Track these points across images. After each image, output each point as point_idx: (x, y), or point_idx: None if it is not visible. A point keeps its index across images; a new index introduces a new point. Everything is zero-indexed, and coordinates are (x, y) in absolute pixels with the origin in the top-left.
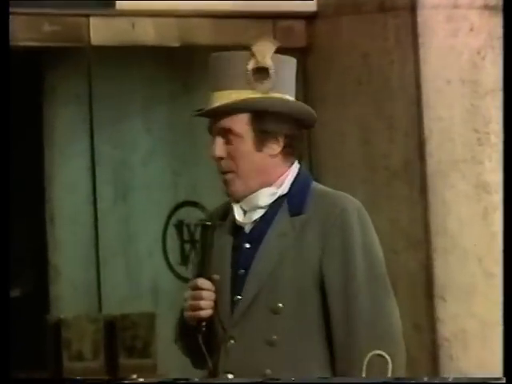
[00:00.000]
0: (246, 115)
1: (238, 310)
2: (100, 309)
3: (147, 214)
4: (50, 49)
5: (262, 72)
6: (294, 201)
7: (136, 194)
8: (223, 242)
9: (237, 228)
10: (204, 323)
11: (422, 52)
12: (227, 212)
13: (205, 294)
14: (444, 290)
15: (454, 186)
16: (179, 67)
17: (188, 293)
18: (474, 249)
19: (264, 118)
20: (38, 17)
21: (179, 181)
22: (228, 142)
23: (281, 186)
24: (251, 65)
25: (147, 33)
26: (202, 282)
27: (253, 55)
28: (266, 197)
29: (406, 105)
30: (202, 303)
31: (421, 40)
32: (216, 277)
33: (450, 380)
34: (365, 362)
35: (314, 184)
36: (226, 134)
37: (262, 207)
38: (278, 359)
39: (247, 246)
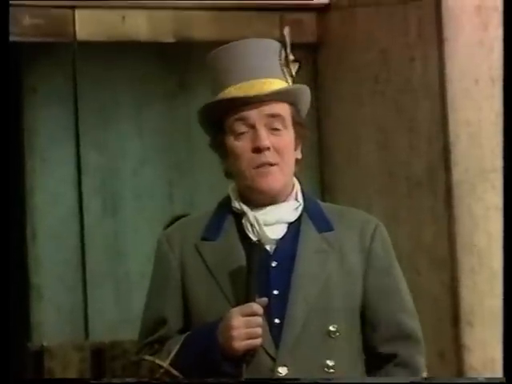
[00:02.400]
0: (288, 105)
1: (289, 335)
2: (87, 335)
3: (139, 230)
4: (30, 44)
5: (292, 65)
6: (317, 216)
7: (126, 207)
8: (235, 262)
9: (251, 245)
10: (253, 352)
11: (447, 47)
12: (217, 229)
13: (260, 320)
14: (471, 315)
15: (483, 197)
16: (174, 65)
17: (239, 320)
18: None
19: (299, 111)
20: (17, 8)
21: (174, 192)
22: (274, 133)
23: (297, 198)
24: (283, 55)
25: (139, 27)
26: (258, 307)
27: (285, 46)
28: (292, 211)
29: (429, 107)
30: (260, 331)
31: (446, 34)
32: (264, 300)
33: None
34: None
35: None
36: (273, 122)
37: (287, 222)
38: None
39: (274, 264)
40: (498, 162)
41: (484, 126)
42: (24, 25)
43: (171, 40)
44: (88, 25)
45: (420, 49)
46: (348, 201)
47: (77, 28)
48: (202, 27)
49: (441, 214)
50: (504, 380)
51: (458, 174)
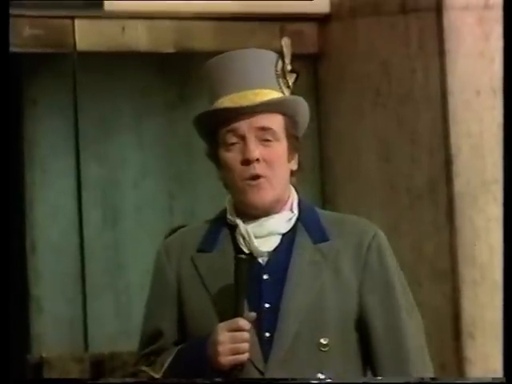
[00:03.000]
0: (281, 117)
1: (278, 349)
2: (86, 347)
3: (139, 242)
4: (30, 55)
5: (289, 75)
6: (313, 227)
7: (126, 219)
8: (227, 275)
9: (239, 259)
10: (241, 367)
11: (449, 59)
12: (213, 241)
13: (246, 335)
14: (473, 327)
15: (484, 209)
16: (175, 76)
17: (225, 335)
18: None
19: (295, 123)
20: (17, 19)
21: (175, 204)
22: (264, 144)
23: (292, 209)
24: (280, 66)
25: (139, 37)
26: (244, 322)
27: (282, 57)
28: (284, 222)
29: (431, 118)
30: (246, 346)
31: (447, 45)
32: (253, 315)
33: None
34: None
35: (316, 208)
36: (264, 134)
37: (279, 234)
38: None
39: (265, 277)
40: (500, 174)
41: (486, 138)
42: (24, 36)
43: (171, 50)
44: (88, 35)
45: (421, 60)
46: (349, 213)
47: (77, 39)
48: (202, 38)
49: (442, 226)
50: (504, 380)
51: (459, 185)
